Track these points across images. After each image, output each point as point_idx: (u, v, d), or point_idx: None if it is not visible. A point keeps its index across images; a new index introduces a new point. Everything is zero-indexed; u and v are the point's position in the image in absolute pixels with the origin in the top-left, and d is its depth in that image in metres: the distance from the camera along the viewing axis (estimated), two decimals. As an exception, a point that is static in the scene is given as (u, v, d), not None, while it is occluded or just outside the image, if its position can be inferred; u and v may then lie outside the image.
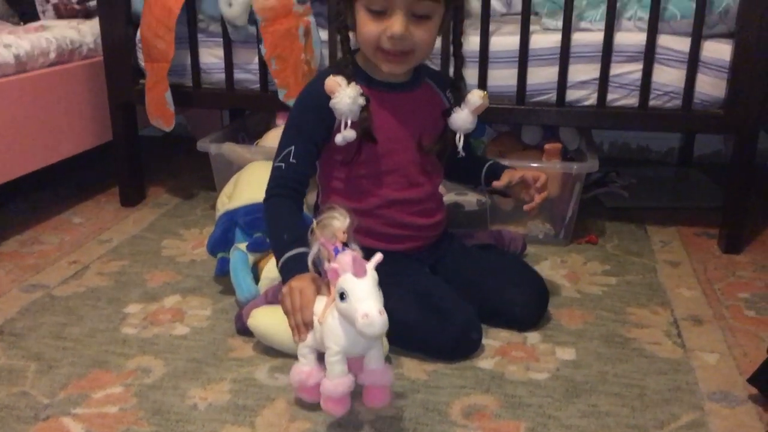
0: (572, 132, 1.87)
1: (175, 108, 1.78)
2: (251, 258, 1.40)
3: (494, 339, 1.27)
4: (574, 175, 1.64)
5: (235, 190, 1.53)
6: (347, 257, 0.92)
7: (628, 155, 2.51)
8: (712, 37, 1.58)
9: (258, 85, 1.79)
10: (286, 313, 1.05)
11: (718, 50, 1.56)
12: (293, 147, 1.24)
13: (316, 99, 1.24)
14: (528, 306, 1.31)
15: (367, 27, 1.19)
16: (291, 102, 1.71)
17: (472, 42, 1.62)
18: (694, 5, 1.53)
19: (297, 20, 1.67)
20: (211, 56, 1.81)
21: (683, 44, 1.56)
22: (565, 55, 1.59)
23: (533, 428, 1.03)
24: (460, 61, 1.33)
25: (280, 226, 1.19)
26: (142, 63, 1.82)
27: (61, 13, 2.09)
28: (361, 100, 1.21)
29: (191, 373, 1.17)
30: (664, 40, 1.58)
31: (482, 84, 1.64)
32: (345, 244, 0.99)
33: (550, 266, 1.58)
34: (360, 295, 0.91)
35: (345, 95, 1.19)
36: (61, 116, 1.84)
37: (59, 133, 1.84)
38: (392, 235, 1.33)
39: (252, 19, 1.70)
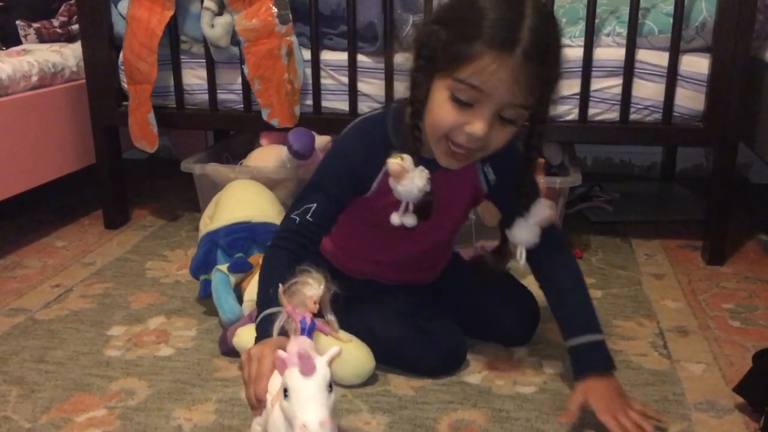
0: (555, 147, 1.88)
1: (158, 129, 1.78)
2: (233, 279, 1.39)
3: (481, 354, 1.27)
4: (557, 190, 1.65)
5: (216, 210, 1.52)
6: (294, 347, 0.78)
7: (611, 170, 2.53)
8: (690, 51, 1.60)
9: (241, 106, 1.79)
10: (243, 382, 0.93)
11: (696, 64, 1.59)
12: (315, 205, 1.10)
13: (354, 164, 1.12)
14: (517, 323, 1.30)
15: (445, 114, 1.01)
16: (274, 121, 1.72)
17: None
18: (671, 20, 1.55)
19: (279, 40, 1.68)
20: (194, 77, 1.81)
21: (661, 59, 1.59)
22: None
23: (521, 442, 1.03)
24: (533, 166, 1.13)
25: (270, 279, 1.06)
26: (125, 85, 1.81)
27: (44, 37, 2.08)
28: (428, 187, 1.06)
29: (176, 394, 1.16)
30: (642, 55, 1.60)
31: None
32: (318, 314, 0.88)
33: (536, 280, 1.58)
34: (302, 399, 0.77)
35: (414, 186, 1.04)
36: (44, 139, 1.83)
37: (42, 156, 1.83)
38: (379, 275, 1.29)
39: (235, 40, 1.71)
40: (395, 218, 1.08)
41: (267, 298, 1.02)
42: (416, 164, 1.05)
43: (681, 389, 1.16)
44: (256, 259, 1.38)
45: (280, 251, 1.10)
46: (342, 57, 1.71)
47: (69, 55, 1.96)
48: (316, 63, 1.72)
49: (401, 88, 1.14)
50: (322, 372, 0.78)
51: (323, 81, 1.74)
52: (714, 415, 1.09)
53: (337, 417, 0.95)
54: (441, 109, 1.01)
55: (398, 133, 1.10)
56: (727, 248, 1.70)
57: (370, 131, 1.13)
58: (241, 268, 1.38)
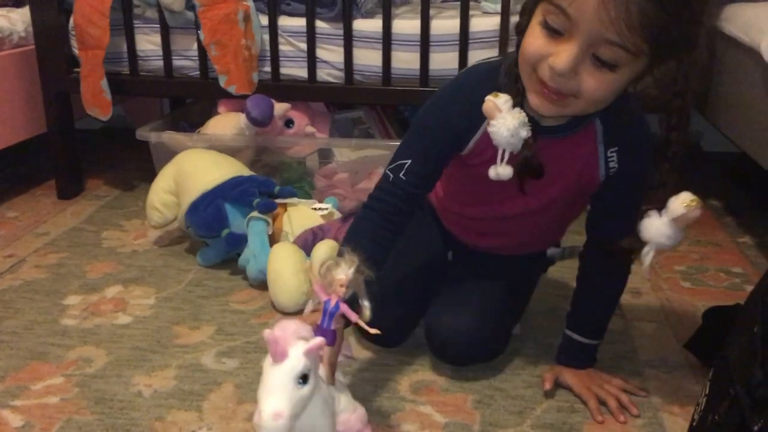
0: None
1: (112, 97, 1.74)
2: (270, 220, 1.44)
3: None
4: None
5: (186, 179, 1.50)
6: (272, 334, 0.74)
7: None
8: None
9: (198, 72, 1.76)
10: None
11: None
12: (409, 161, 1.00)
13: (452, 116, 1.00)
14: (444, 344, 1.11)
15: (534, 41, 0.88)
16: (232, 88, 1.70)
17: (411, 26, 1.63)
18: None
19: (236, 5, 1.65)
20: (148, 42, 1.77)
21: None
22: (504, 38, 1.61)
23: (480, 400, 1.05)
24: (673, 149, 0.91)
25: (351, 242, 0.96)
26: (76, 51, 1.76)
27: (-11, 1, 2.01)
28: (524, 133, 0.92)
29: (135, 361, 1.15)
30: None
31: (425, 68, 1.65)
32: (352, 298, 0.83)
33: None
34: (265, 386, 0.74)
35: (503, 125, 0.91)
36: (-8, 107, 1.78)
37: (-10, 124, 1.77)
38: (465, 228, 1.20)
39: (190, 5, 1.68)
40: (492, 171, 0.95)
41: (340, 250, 0.94)
42: (515, 104, 0.92)
43: (633, 347, 1.20)
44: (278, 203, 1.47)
45: (370, 214, 1.03)
46: (300, 23, 1.69)
47: (17, 19, 1.89)
48: (273, 29, 1.69)
49: None
50: (293, 361, 0.74)
51: (281, 47, 1.72)
52: (665, 371, 1.13)
53: (353, 412, 0.88)
54: (531, 35, 0.88)
55: (508, 75, 0.96)
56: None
57: (476, 83, 1.00)
58: (271, 207, 1.43)
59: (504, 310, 1.16)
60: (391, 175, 1.01)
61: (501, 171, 0.94)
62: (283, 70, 1.74)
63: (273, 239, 1.43)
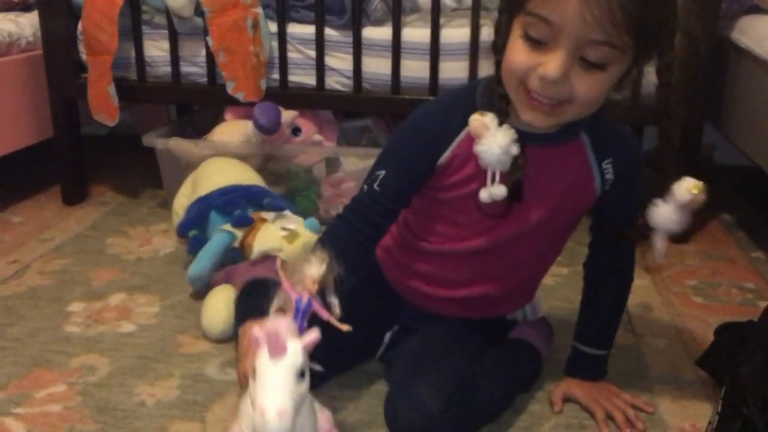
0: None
1: (119, 102, 1.73)
2: (239, 234, 1.39)
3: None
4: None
5: (199, 184, 1.52)
6: (265, 328, 0.72)
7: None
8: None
9: (206, 79, 1.75)
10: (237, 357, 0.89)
11: (663, 43, 1.59)
12: (383, 173, 0.98)
13: (426, 131, 0.97)
14: (404, 418, 0.95)
15: (517, 56, 0.87)
16: (240, 95, 1.69)
17: (421, 34, 1.62)
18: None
19: (245, 11, 1.64)
20: (157, 49, 1.76)
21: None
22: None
23: (489, 415, 1.03)
24: (666, 135, 0.93)
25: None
26: (83, 56, 1.76)
27: (-2, 6, 2.01)
28: (515, 149, 0.89)
29: (138, 370, 1.13)
30: (610, 33, 1.60)
31: (434, 77, 1.64)
32: (321, 296, 0.80)
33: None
34: (265, 384, 0.71)
35: (494, 143, 0.88)
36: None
37: (-3, 128, 1.76)
38: (425, 280, 1.08)
39: (198, 11, 1.67)
40: (483, 193, 0.91)
41: None
42: (501, 122, 0.90)
43: (644, 363, 1.18)
44: (257, 215, 1.40)
45: (342, 225, 1.00)
46: (309, 30, 1.68)
47: (25, 24, 1.88)
48: (282, 36, 1.69)
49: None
50: (292, 357, 0.72)
51: (290, 54, 1.71)
52: (676, 388, 1.11)
53: (321, 411, 0.86)
54: (513, 50, 0.87)
55: (486, 96, 0.96)
56: (691, 227, 1.72)
57: (452, 99, 1.00)
58: (244, 222, 1.39)
59: (463, 375, 0.99)
60: (366, 187, 0.99)
61: (494, 191, 0.91)
62: (292, 78, 1.73)
63: (243, 252, 1.38)
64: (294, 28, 1.70)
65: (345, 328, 0.79)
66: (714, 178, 2.13)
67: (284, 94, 1.73)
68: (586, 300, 1.11)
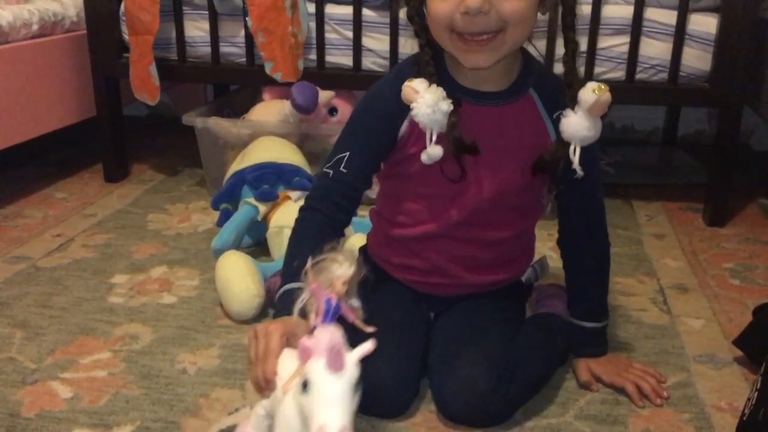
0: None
1: (159, 82, 1.76)
2: (262, 209, 1.43)
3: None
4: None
5: (244, 160, 1.57)
6: (325, 337, 0.68)
7: (613, 135, 2.52)
8: (699, 11, 1.59)
9: (244, 59, 1.77)
10: (249, 361, 0.84)
11: (704, 23, 1.58)
12: (347, 154, 0.99)
13: (382, 101, 1.00)
14: (458, 399, 0.96)
15: (438, 5, 0.90)
16: (277, 75, 1.71)
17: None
18: (680, -22, 1.54)
19: (284, -8, 1.65)
20: (197, 29, 1.79)
21: (670, 17, 1.57)
22: (552, 28, 1.59)
23: (523, 389, 1.04)
24: (571, 47, 0.96)
25: (297, 249, 0.98)
26: (126, 36, 1.79)
27: (43, -13, 2.05)
28: (445, 106, 0.92)
29: (180, 339, 1.16)
30: (651, 13, 1.59)
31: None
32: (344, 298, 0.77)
33: (538, 238, 1.57)
34: (325, 398, 0.67)
35: (423, 102, 0.91)
36: (44, 90, 1.81)
37: (42, 106, 1.81)
38: (421, 270, 1.08)
39: (238, -9, 1.69)
40: (423, 155, 0.94)
41: (291, 270, 0.93)
42: (430, 84, 0.93)
43: (681, 342, 1.17)
44: (284, 194, 1.45)
45: (312, 215, 1.00)
46: (347, 11, 1.69)
47: (69, 4, 1.93)
48: (320, 17, 1.70)
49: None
50: (350, 371, 0.68)
51: (327, 35, 1.72)
52: (713, 367, 1.11)
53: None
54: (433, 3, 0.91)
55: (416, 65, 0.98)
56: (728, 211, 1.71)
57: (397, 72, 1.02)
58: (268, 197, 1.44)
59: (505, 352, 1.00)
60: (331, 172, 1.00)
61: (431, 151, 0.94)
62: (329, 58, 1.74)
63: (265, 226, 1.46)
64: (331, 9, 1.71)
65: (370, 329, 0.76)
66: (751, 164, 2.12)
67: (321, 75, 1.74)
68: (570, 274, 1.11)
